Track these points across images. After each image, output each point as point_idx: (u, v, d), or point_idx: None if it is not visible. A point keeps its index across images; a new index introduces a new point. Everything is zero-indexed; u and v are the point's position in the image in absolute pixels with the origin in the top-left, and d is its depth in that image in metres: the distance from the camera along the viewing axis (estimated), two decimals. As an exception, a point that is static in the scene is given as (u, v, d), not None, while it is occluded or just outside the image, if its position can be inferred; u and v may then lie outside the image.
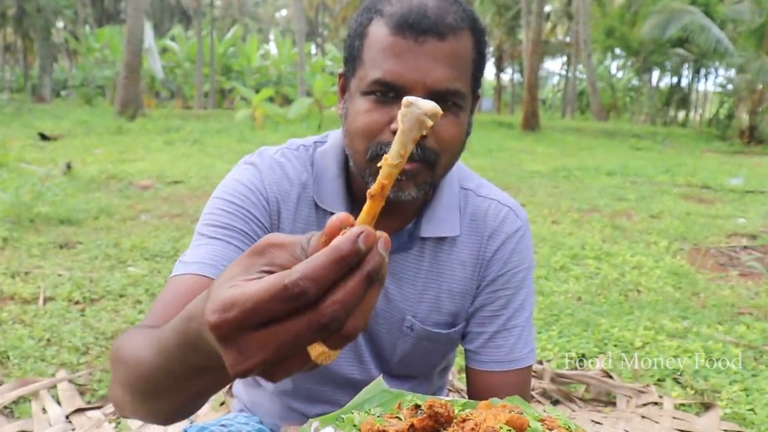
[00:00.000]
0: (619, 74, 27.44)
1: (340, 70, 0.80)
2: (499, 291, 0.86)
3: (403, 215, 0.84)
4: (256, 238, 0.78)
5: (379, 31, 0.71)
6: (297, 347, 0.36)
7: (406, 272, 0.85)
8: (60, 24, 25.65)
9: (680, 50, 18.48)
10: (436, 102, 0.52)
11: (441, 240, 0.85)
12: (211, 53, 23.17)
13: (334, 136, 0.87)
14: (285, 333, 0.35)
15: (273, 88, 22.32)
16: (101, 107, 18.59)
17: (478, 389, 0.88)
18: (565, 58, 32.05)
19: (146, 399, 0.56)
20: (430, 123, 0.42)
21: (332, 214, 0.83)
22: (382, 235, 0.38)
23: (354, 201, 0.83)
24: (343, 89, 0.80)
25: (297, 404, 0.94)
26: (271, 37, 38.50)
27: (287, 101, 24.10)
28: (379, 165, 0.42)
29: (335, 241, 0.36)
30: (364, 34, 0.73)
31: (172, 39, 28.26)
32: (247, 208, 0.79)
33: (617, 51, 25.37)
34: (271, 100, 16.33)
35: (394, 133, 0.63)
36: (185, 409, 0.56)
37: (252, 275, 0.37)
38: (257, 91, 14.43)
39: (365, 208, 0.42)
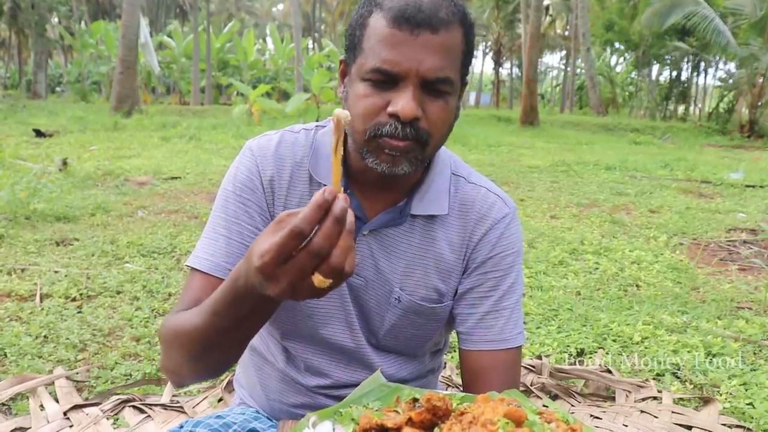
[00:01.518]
0: (619, 68, 27.41)
1: (342, 56, 0.87)
2: (489, 273, 0.92)
3: (396, 193, 0.90)
4: (256, 222, 0.89)
5: (378, 23, 0.78)
6: (305, 272, 0.57)
7: (396, 246, 0.91)
8: (55, 20, 25.53)
9: (680, 43, 18.45)
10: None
11: (431, 218, 0.91)
12: (207, 49, 23.09)
13: None
14: (297, 262, 0.57)
15: (270, 83, 22.30)
16: (97, 103, 18.56)
17: (470, 369, 0.92)
18: (564, 53, 32.03)
19: (202, 356, 0.76)
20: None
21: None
22: (342, 194, 0.57)
23: (350, 177, 0.89)
24: (344, 74, 0.86)
25: (294, 375, 0.98)
26: (268, 32, 38.41)
27: (284, 96, 24.07)
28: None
29: (313, 197, 0.57)
30: (364, 24, 0.80)
31: (169, 35, 28.18)
32: (246, 197, 0.89)
33: (617, 45, 25.35)
34: (268, 95, 16.32)
35: (390, 114, 0.77)
36: (232, 356, 0.78)
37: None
38: (254, 87, 14.40)
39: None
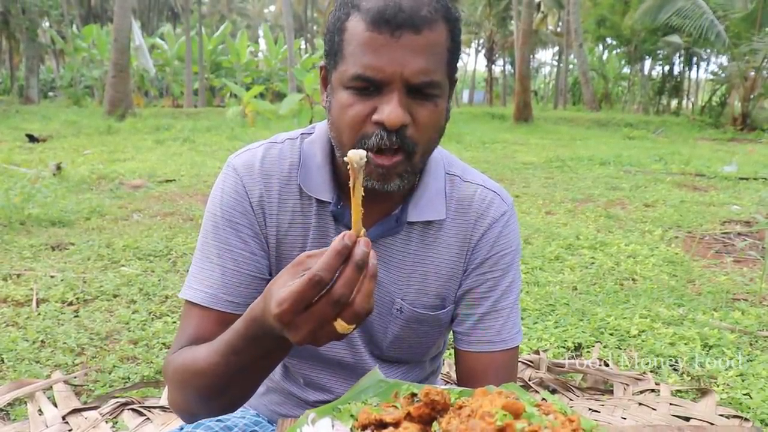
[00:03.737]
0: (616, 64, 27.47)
1: (321, 62, 0.82)
2: (487, 273, 0.89)
3: (390, 202, 0.86)
4: (250, 247, 0.85)
5: (356, 27, 0.73)
6: (326, 320, 0.57)
7: (393, 256, 0.87)
8: (46, 24, 25.39)
9: (672, 38, 18.51)
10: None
11: (428, 224, 0.87)
12: (200, 50, 23.02)
13: (321, 127, 0.89)
14: (317, 311, 0.57)
15: (263, 84, 22.24)
16: (90, 107, 18.46)
17: (467, 370, 0.90)
18: (556, 49, 32.09)
19: (219, 395, 0.75)
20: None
21: (318, 200, 0.85)
22: (363, 238, 0.58)
23: (340, 188, 0.85)
24: (326, 81, 0.81)
25: (294, 390, 0.96)
26: (261, 33, 38.34)
27: (278, 97, 24.01)
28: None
29: (332, 243, 0.57)
30: (342, 28, 0.75)
31: (161, 37, 28.07)
32: (236, 221, 0.85)
33: (609, 40, 25.40)
34: (261, 96, 16.26)
35: (376, 123, 0.73)
36: (249, 393, 0.77)
37: (296, 279, 0.58)
38: (248, 88, 14.36)
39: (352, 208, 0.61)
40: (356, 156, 0.58)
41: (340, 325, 0.56)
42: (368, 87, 0.73)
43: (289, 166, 0.86)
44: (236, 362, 0.70)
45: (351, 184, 0.59)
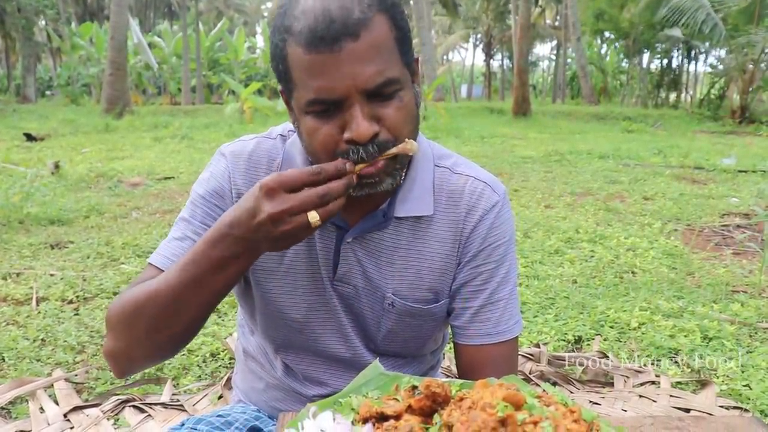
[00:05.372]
0: (608, 57, 27.42)
1: (280, 87, 0.79)
2: (481, 266, 0.87)
3: (377, 197, 0.84)
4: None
5: (295, 52, 0.71)
6: (304, 208, 0.66)
7: (382, 251, 0.86)
8: (42, 23, 25.30)
9: (672, 31, 18.46)
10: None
11: (418, 218, 0.86)
12: (197, 47, 22.95)
13: None
14: (302, 196, 0.67)
15: (261, 81, 22.17)
16: (88, 106, 18.43)
17: (466, 363, 0.90)
18: (554, 43, 32.03)
19: (166, 323, 0.75)
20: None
21: None
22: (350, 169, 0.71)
23: None
24: (289, 104, 0.80)
25: (294, 386, 0.96)
26: (258, 29, 38.19)
27: (276, 94, 23.95)
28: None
29: (336, 162, 0.71)
30: (283, 56, 0.73)
31: (159, 35, 27.98)
32: (214, 202, 0.87)
33: (607, 34, 25.34)
34: (259, 93, 16.24)
35: (348, 141, 0.72)
36: (194, 326, 0.77)
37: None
38: (246, 85, 14.33)
39: None
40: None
41: (312, 215, 0.65)
42: (327, 108, 0.72)
43: (277, 164, 0.88)
44: (190, 276, 0.71)
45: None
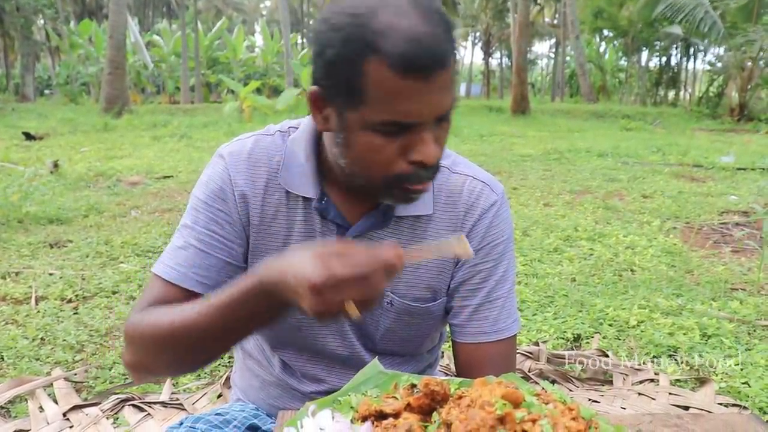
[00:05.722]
0: (607, 55, 27.43)
1: (312, 87, 0.75)
2: (479, 265, 0.88)
3: (371, 195, 0.84)
4: (227, 233, 0.85)
5: (382, 74, 0.68)
6: (345, 300, 0.62)
7: None
8: (41, 22, 25.25)
9: (670, 29, 18.46)
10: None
11: (417, 218, 0.87)
12: (196, 46, 22.92)
13: (306, 123, 0.88)
14: (345, 290, 0.61)
15: (260, 79, 22.16)
16: (86, 105, 18.41)
17: (464, 362, 0.90)
18: (553, 41, 32.01)
19: (189, 355, 0.77)
20: None
21: (303, 198, 0.85)
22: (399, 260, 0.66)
23: (324, 184, 0.85)
24: (319, 104, 0.76)
25: (292, 383, 0.96)
26: (257, 28, 38.13)
27: (275, 92, 23.94)
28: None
29: (385, 252, 0.65)
30: (360, 71, 0.69)
31: (158, 33, 27.94)
32: (217, 207, 0.85)
33: (606, 32, 25.33)
34: (258, 91, 16.21)
35: (414, 163, 0.73)
36: (217, 357, 0.79)
37: (336, 260, 0.62)
38: (245, 84, 14.31)
39: None
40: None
41: (351, 307, 0.62)
42: (399, 130, 0.72)
43: (278, 159, 0.86)
44: (222, 321, 0.71)
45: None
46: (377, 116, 0.70)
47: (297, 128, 0.88)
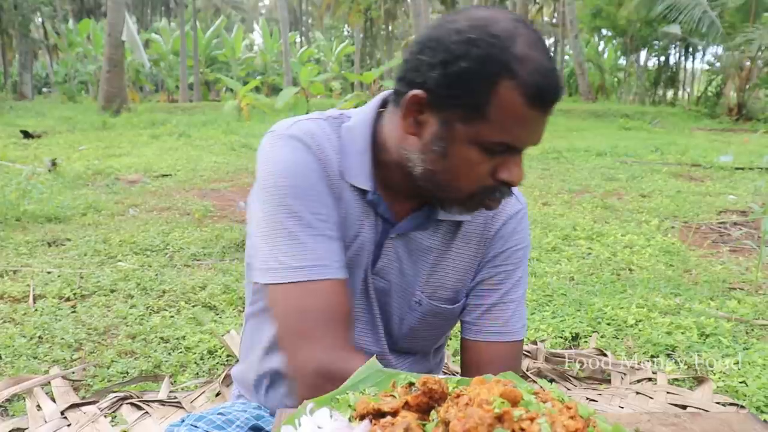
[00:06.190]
0: (606, 54, 27.45)
1: (418, 92, 0.74)
2: (500, 266, 0.92)
3: (421, 197, 0.87)
4: (332, 216, 0.81)
5: (513, 99, 0.72)
6: None
7: (420, 251, 0.90)
8: (38, 20, 25.18)
9: (669, 28, 18.47)
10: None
11: (455, 222, 0.90)
12: (195, 45, 22.89)
13: (360, 116, 0.86)
14: None
15: (259, 78, 22.14)
16: (85, 103, 18.37)
17: (472, 359, 0.92)
18: (552, 40, 32.01)
19: None
20: None
21: (360, 189, 0.84)
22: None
23: (379, 178, 0.85)
24: (417, 107, 0.76)
25: None
26: (256, 27, 38.11)
27: (274, 91, 23.93)
28: None
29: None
30: (491, 91, 0.71)
31: (156, 32, 27.90)
32: (318, 189, 0.81)
33: (604, 31, 25.32)
34: (257, 90, 16.19)
35: (501, 182, 0.77)
36: None
37: None
38: (244, 82, 14.29)
39: None
40: None
41: None
42: (503, 151, 0.76)
43: (335, 147, 0.84)
44: None
45: None
46: (495, 136, 0.74)
47: (349, 117, 0.87)
